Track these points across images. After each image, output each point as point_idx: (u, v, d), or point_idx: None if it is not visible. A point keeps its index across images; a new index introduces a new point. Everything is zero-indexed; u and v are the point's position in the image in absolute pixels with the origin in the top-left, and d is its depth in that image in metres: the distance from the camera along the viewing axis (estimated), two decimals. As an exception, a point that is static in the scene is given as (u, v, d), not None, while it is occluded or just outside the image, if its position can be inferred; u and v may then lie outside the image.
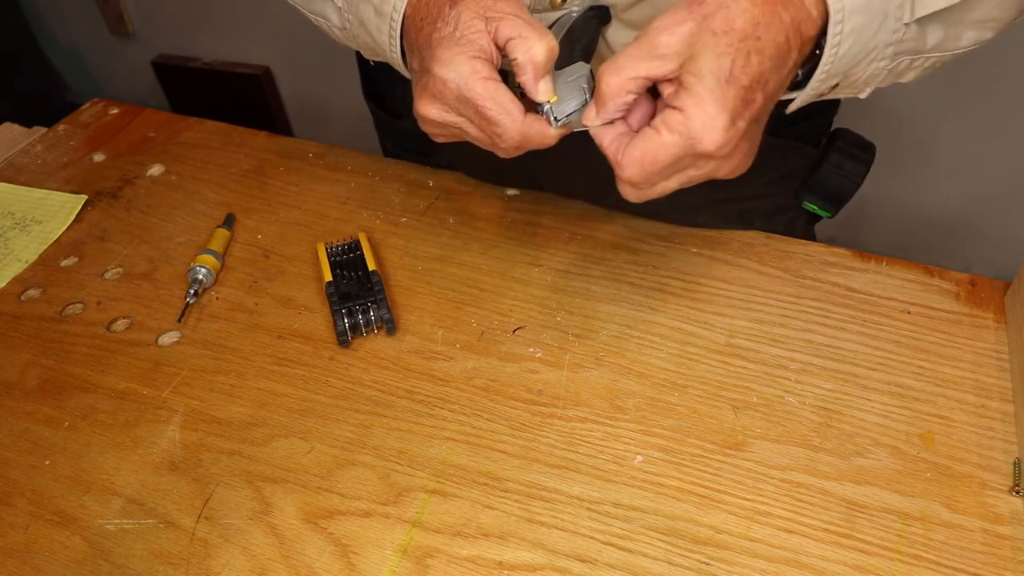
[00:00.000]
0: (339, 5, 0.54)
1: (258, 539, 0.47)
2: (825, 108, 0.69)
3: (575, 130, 0.47)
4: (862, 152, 0.66)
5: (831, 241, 0.66)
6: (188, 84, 1.90)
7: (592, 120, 0.45)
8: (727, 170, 0.43)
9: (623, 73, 0.41)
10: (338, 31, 0.56)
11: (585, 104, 0.47)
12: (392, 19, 0.49)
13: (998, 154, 1.34)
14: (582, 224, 0.67)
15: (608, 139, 0.44)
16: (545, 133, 0.46)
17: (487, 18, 0.45)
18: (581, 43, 0.51)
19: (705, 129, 0.39)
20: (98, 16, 1.88)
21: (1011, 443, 0.50)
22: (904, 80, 0.49)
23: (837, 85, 0.46)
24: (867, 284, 0.61)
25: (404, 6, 0.49)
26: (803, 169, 0.68)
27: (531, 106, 0.47)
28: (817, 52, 0.43)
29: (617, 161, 0.43)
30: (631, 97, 0.42)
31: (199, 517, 0.49)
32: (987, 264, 1.43)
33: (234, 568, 0.46)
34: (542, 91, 0.45)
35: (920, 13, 0.44)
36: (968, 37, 0.48)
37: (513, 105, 0.45)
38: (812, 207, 0.69)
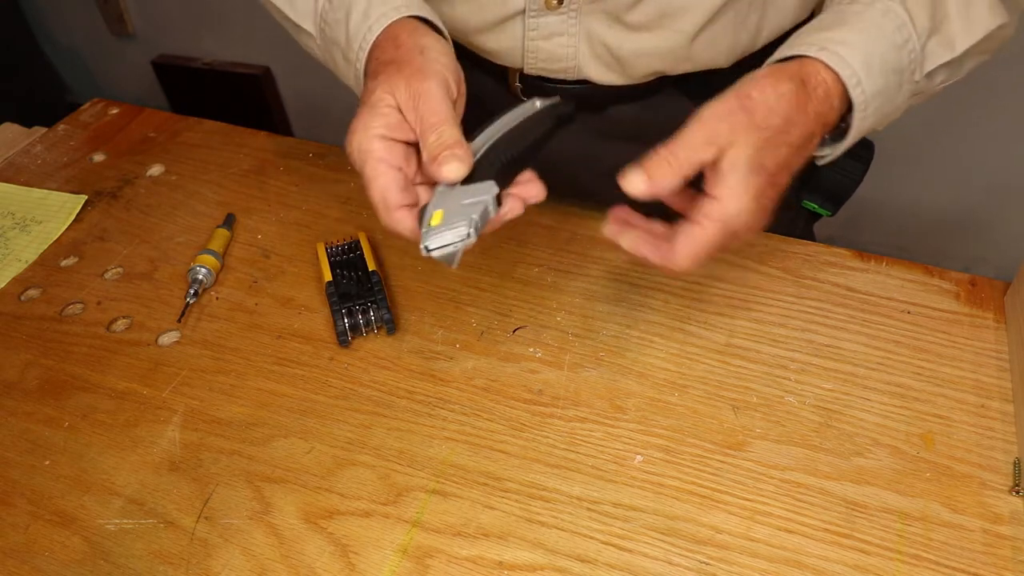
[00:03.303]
0: (318, 43, 0.56)
1: (258, 539, 0.47)
2: None
3: (442, 260, 0.44)
4: (861, 150, 0.66)
5: (831, 241, 0.66)
6: (188, 84, 1.90)
7: (456, 260, 0.43)
8: (751, 237, 0.48)
9: (680, 160, 0.43)
10: (322, 63, 0.58)
11: (465, 241, 0.43)
12: (356, 68, 0.51)
13: (998, 154, 1.34)
14: (582, 224, 0.67)
15: (642, 248, 0.47)
16: (415, 235, 0.45)
17: (402, 94, 0.45)
18: (527, 141, 0.47)
19: (738, 213, 0.44)
20: (98, 16, 1.88)
21: (1011, 443, 0.50)
22: (914, 104, 0.53)
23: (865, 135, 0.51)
24: (867, 284, 0.61)
25: (366, 56, 0.50)
26: (802, 167, 0.68)
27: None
28: (843, 126, 0.48)
29: (668, 260, 0.46)
30: (681, 182, 0.44)
31: (199, 517, 0.49)
32: (987, 264, 1.43)
33: (234, 568, 0.46)
34: (427, 214, 0.44)
35: (928, 68, 0.49)
36: (971, 64, 0.52)
37: (391, 196, 0.45)
38: (812, 206, 0.69)
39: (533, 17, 0.56)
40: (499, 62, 0.62)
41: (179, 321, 0.61)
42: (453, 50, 0.50)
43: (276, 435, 0.53)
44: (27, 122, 0.84)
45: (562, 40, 0.57)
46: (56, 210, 0.72)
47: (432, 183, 0.47)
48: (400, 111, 0.46)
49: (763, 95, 0.44)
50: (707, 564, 0.45)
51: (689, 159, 0.43)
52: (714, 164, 0.44)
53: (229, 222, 0.69)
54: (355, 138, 0.46)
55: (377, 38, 0.50)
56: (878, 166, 0.67)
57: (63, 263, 0.67)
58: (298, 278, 0.64)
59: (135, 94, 2.02)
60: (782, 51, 0.48)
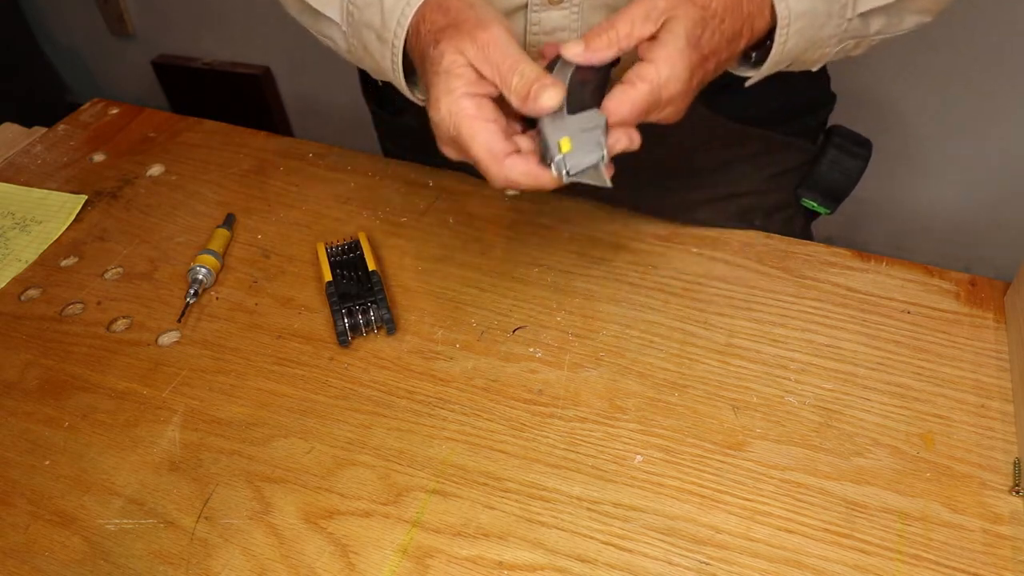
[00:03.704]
0: (344, 30, 0.55)
1: (258, 539, 0.47)
2: (820, 105, 0.69)
3: (581, 181, 0.45)
4: (859, 148, 0.66)
5: (831, 241, 0.66)
6: (188, 84, 1.90)
7: (604, 173, 0.44)
8: (671, 115, 0.48)
9: (620, 34, 0.45)
10: (344, 53, 0.57)
11: (602, 161, 0.44)
12: (394, 45, 0.51)
13: (998, 154, 1.34)
14: (582, 224, 0.67)
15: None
16: (537, 178, 0.46)
17: (470, 51, 0.45)
18: (591, 84, 0.47)
19: (671, 80, 0.45)
20: (98, 16, 1.88)
21: (1011, 443, 0.50)
22: (853, 55, 0.54)
23: (790, 66, 0.52)
24: (867, 284, 0.61)
25: (404, 33, 0.50)
26: (801, 165, 0.69)
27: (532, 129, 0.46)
28: (768, 43, 0.49)
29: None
30: (617, 54, 0.46)
31: (199, 517, 0.49)
32: (987, 264, 1.43)
33: (234, 568, 0.46)
34: (550, 146, 0.45)
35: (861, 9, 0.49)
36: (910, 21, 0.53)
37: (497, 146, 0.45)
38: (811, 204, 0.69)
39: (535, 12, 0.56)
40: None
41: (179, 321, 0.61)
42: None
43: (276, 435, 0.53)
44: (27, 122, 0.84)
45: (564, 35, 0.57)
46: (56, 210, 0.72)
47: (524, 128, 0.48)
48: (474, 68, 0.46)
49: None
50: (707, 564, 0.45)
51: (629, 33, 0.45)
52: (652, 35, 0.45)
53: (229, 222, 0.69)
54: (441, 104, 0.46)
55: (418, 15, 0.49)
56: (878, 166, 0.67)
57: (63, 263, 0.67)
58: (298, 278, 0.64)
59: (135, 94, 2.02)
60: None
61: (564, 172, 0.44)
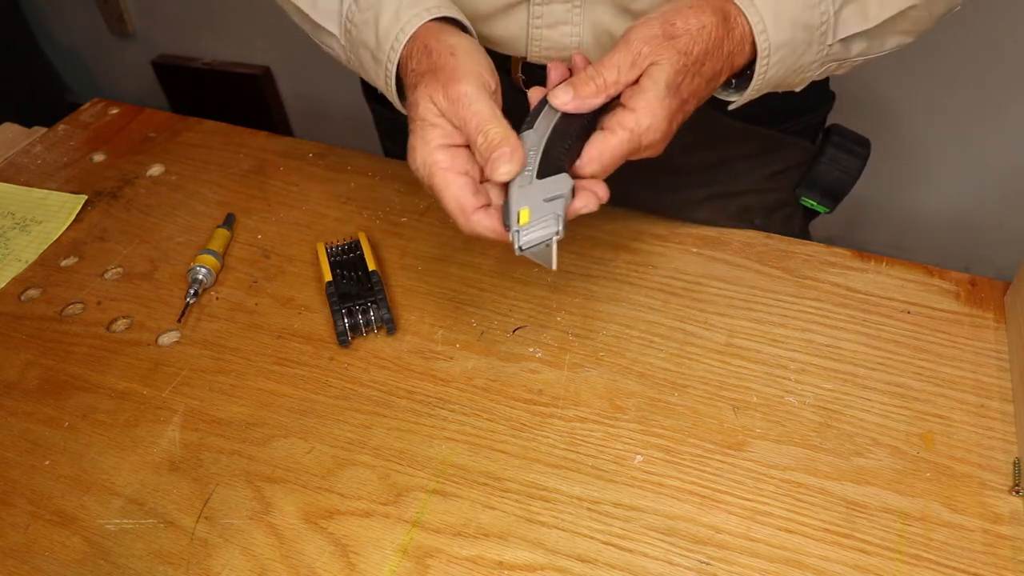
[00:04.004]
0: (343, 43, 0.56)
1: (258, 539, 0.47)
2: (819, 104, 0.70)
3: (530, 257, 0.45)
4: (858, 147, 0.66)
5: (830, 241, 0.66)
6: (188, 84, 1.90)
7: (554, 252, 0.44)
8: (651, 155, 0.49)
9: (607, 82, 0.47)
10: (344, 62, 0.58)
11: (556, 236, 0.44)
12: (387, 68, 0.52)
13: (997, 154, 1.34)
14: (582, 224, 0.67)
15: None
16: (501, 236, 0.46)
17: (442, 103, 0.46)
18: (574, 128, 0.47)
19: (651, 129, 0.46)
20: (98, 16, 1.88)
21: (1011, 443, 0.50)
22: (837, 74, 0.56)
23: (773, 88, 0.53)
24: (867, 284, 0.61)
25: (398, 56, 0.50)
26: (800, 164, 0.69)
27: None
28: (749, 73, 0.50)
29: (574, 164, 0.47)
30: (604, 101, 0.47)
31: (199, 517, 0.49)
32: (987, 264, 1.43)
33: (234, 568, 0.46)
34: (511, 213, 0.45)
35: (842, 35, 0.50)
36: (891, 42, 0.54)
37: (466, 200, 0.46)
38: (810, 202, 0.69)
39: (538, 6, 0.56)
40: (502, 51, 0.62)
41: (179, 321, 0.61)
42: (481, 46, 0.50)
43: (276, 435, 0.53)
44: (27, 122, 0.84)
45: (566, 29, 0.57)
46: (56, 210, 0.72)
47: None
48: (448, 119, 0.46)
49: (687, 24, 0.46)
50: (707, 564, 0.45)
51: (616, 81, 0.46)
52: (635, 81, 0.47)
53: (229, 222, 0.69)
54: (417, 155, 0.47)
55: (408, 48, 0.50)
56: (878, 166, 0.67)
57: (63, 263, 0.67)
58: (298, 278, 0.64)
59: (135, 94, 2.02)
60: None
61: (518, 246, 0.44)
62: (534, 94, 0.50)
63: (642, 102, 0.46)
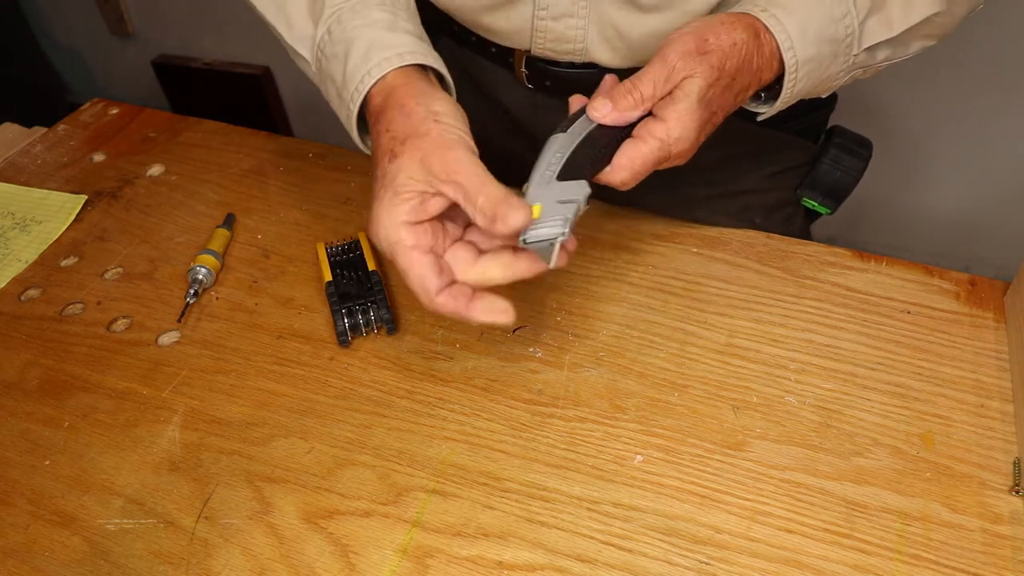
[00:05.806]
0: (313, 70, 0.56)
1: (258, 539, 0.47)
2: (821, 104, 0.70)
3: (531, 250, 0.45)
4: (860, 148, 0.66)
5: (831, 241, 0.66)
6: (188, 84, 1.90)
7: (555, 253, 0.44)
8: (678, 164, 0.51)
9: (644, 95, 0.48)
10: (317, 84, 0.58)
11: (561, 237, 0.44)
12: (349, 108, 0.51)
13: (997, 154, 1.34)
14: (582, 224, 0.66)
15: None
16: (460, 314, 0.46)
17: (436, 167, 0.45)
18: (606, 139, 0.48)
19: (680, 140, 0.47)
20: (98, 16, 1.88)
21: (1011, 443, 0.50)
22: (862, 79, 0.56)
23: (801, 98, 0.54)
24: (867, 284, 0.61)
25: (360, 99, 0.50)
26: (802, 164, 0.69)
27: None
28: (777, 86, 0.51)
29: (605, 171, 0.48)
30: (641, 114, 0.48)
31: (199, 517, 0.49)
32: (987, 264, 1.43)
33: (234, 568, 0.46)
34: (517, 215, 0.44)
35: (867, 44, 0.51)
36: (916, 47, 0.55)
37: (430, 283, 0.46)
38: (811, 203, 0.69)
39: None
40: (506, 44, 0.62)
41: (179, 321, 0.61)
42: (460, 107, 0.49)
43: (276, 435, 0.53)
44: (27, 122, 0.84)
45: (571, 22, 0.57)
46: (56, 210, 0.72)
47: (466, 227, 0.49)
48: (427, 189, 0.45)
49: (719, 41, 0.47)
50: (707, 564, 0.45)
51: (652, 95, 0.47)
52: (668, 93, 0.48)
53: (229, 222, 0.69)
54: (381, 228, 0.46)
55: (380, 97, 0.49)
56: (879, 166, 0.67)
57: (63, 263, 0.67)
58: (298, 278, 0.64)
59: (135, 94, 2.02)
60: (732, 5, 0.52)
61: (522, 239, 0.45)
62: (575, 102, 0.50)
63: (674, 113, 0.47)
